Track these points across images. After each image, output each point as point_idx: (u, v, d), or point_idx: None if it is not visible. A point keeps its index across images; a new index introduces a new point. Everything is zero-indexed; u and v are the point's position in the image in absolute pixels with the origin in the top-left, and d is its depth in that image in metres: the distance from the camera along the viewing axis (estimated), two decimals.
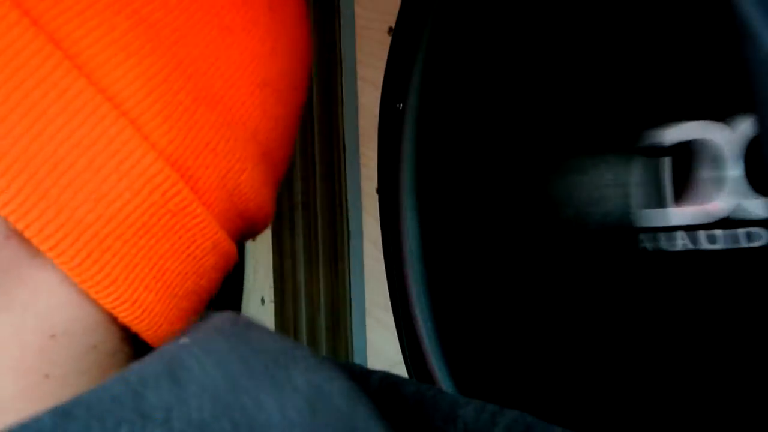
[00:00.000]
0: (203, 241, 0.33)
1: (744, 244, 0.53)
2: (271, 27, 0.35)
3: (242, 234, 0.37)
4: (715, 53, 0.53)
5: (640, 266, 0.60)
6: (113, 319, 0.32)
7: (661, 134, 0.57)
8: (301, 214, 0.96)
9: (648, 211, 0.59)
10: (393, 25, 0.73)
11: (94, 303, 0.31)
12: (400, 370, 0.73)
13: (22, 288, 0.30)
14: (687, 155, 0.55)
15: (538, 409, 0.61)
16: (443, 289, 0.68)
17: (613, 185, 0.61)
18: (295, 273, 0.97)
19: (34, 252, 0.29)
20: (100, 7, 0.29)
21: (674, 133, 0.56)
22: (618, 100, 0.60)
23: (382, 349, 0.85)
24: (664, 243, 0.57)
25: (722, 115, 0.54)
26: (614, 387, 0.61)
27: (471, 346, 0.67)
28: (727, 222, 0.54)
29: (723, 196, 0.53)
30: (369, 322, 0.89)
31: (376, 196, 0.75)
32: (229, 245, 0.35)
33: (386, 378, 0.38)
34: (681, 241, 0.56)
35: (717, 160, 0.54)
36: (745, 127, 0.52)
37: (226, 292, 1.10)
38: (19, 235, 0.29)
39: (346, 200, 0.90)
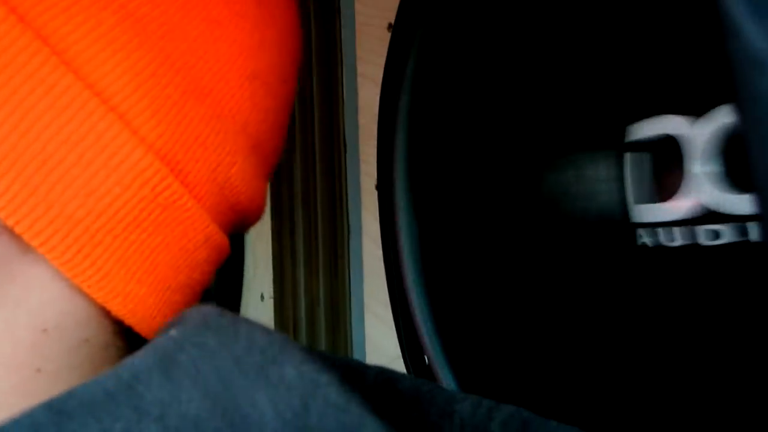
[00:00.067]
0: (195, 235, 0.33)
1: (725, 240, 0.53)
2: (260, 19, 0.35)
3: (234, 227, 0.37)
4: (701, 48, 0.53)
5: (636, 261, 0.60)
6: (105, 313, 0.32)
7: (653, 128, 0.57)
8: (301, 211, 0.96)
9: (643, 206, 0.59)
10: (393, 22, 0.73)
11: (86, 297, 0.31)
12: (399, 365, 0.73)
13: (14, 284, 0.30)
14: (671, 150, 0.55)
15: (538, 403, 0.61)
16: (441, 284, 0.68)
17: (605, 180, 0.61)
18: (295, 269, 0.97)
19: (25, 248, 0.30)
20: (86, 2, 0.29)
21: (662, 128, 0.56)
22: (609, 95, 0.60)
23: (381, 344, 0.86)
24: (660, 238, 0.57)
25: (701, 110, 0.54)
26: (614, 382, 0.61)
27: (470, 342, 0.67)
28: (707, 218, 0.54)
29: (705, 191, 0.53)
30: (368, 317, 0.89)
31: (376, 193, 0.75)
32: (221, 238, 0.35)
33: (382, 373, 0.38)
34: (674, 237, 0.56)
35: (696, 156, 0.54)
36: (723, 122, 0.52)
37: (226, 288, 1.11)
38: (10, 232, 0.29)
39: (347, 197, 0.90)
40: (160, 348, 0.29)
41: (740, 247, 0.51)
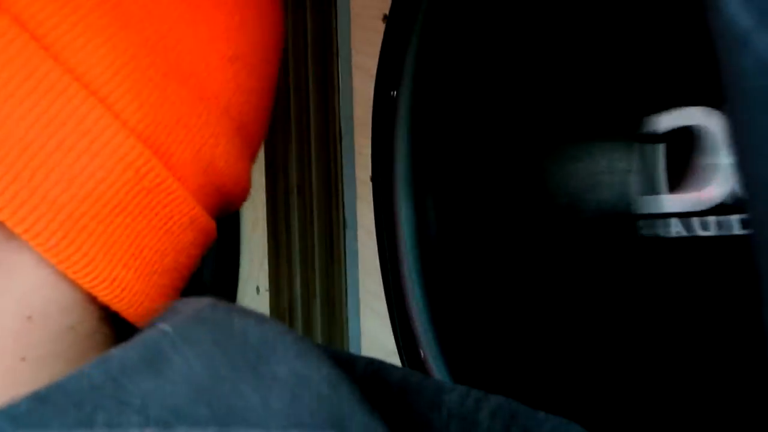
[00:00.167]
0: (180, 218, 0.33)
1: (737, 231, 0.53)
2: (240, 0, 0.35)
3: (220, 209, 0.37)
4: (708, 39, 0.53)
5: (636, 253, 0.59)
6: (91, 300, 0.31)
7: (655, 121, 0.57)
8: (296, 203, 0.96)
9: (643, 197, 0.59)
10: (387, 13, 0.72)
11: (72, 283, 0.31)
12: (395, 359, 0.73)
13: None
14: (681, 142, 0.55)
15: (533, 396, 0.61)
16: (437, 277, 0.67)
17: (607, 172, 0.60)
18: (291, 262, 0.97)
19: (9, 235, 0.29)
20: None
21: (668, 120, 0.56)
22: (612, 87, 0.60)
23: (377, 338, 0.85)
24: (658, 230, 0.57)
25: (717, 101, 0.54)
26: (613, 374, 0.60)
27: (465, 335, 0.66)
28: (720, 209, 0.53)
29: (716, 183, 0.53)
30: (364, 311, 0.88)
31: (371, 184, 0.75)
32: (207, 221, 0.35)
33: (371, 364, 0.38)
34: (675, 228, 0.56)
35: (711, 147, 0.54)
36: None
37: (222, 281, 1.10)
38: None
39: (342, 189, 0.90)
40: (150, 342, 0.29)
41: None
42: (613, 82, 0.60)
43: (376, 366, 0.38)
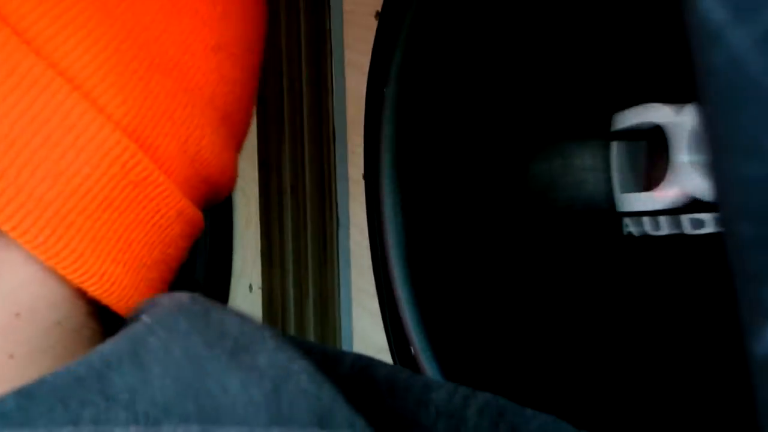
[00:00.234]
0: (167, 210, 0.33)
1: (710, 229, 0.53)
2: None
3: (207, 200, 0.37)
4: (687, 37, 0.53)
5: (621, 250, 0.59)
6: (79, 295, 0.32)
7: (641, 117, 0.57)
8: (289, 201, 0.95)
9: (629, 194, 0.59)
10: (380, 10, 0.72)
11: (59, 279, 0.31)
12: (387, 357, 0.73)
13: None
14: (662, 139, 0.55)
15: (523, 394, 0.61)
16: (427, 275, 0.67)
17: (592, 170, 0.60)
18: (283, 260, 0.97)
19: None
20: None
21: (648, 116, 0.56)
22: (595, 84, 0.60)
23: (368, 336, 0.85)
24: (642, 227, 0.57)
25: (686, 98, 0.54)
26: (600, 371, 0.61)
27: (455, 331, 0.66)
28: (693, 207, 0.54)
29: (692, 180, 0.53)
30: (356, 309, 0.88)
31: (363, 182, 0.75)
32: (194, 212, 0.35)
33: (359, 360, 0.38)
34: (660, 225, 0.56)
35: (682, 145, 0.54)
36: None
37: (214, 279, 1.10)
38: None
39: (335, 187, 0.90)
40: (132, 335, 0.29)
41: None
42: (595, 80, 0.60)
43: (363, 363, 0.38)
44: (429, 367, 0.66)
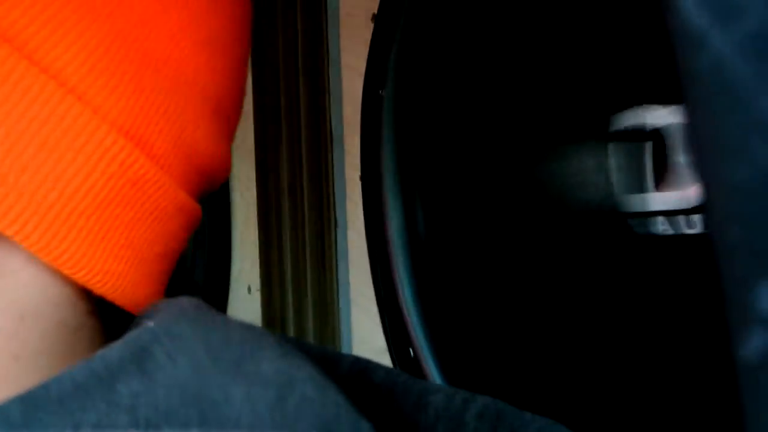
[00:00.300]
0: (166, 205, 0.33)
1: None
2: None
3: (203, 190, 0.37)
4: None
5: (625, 250, 0.59)
6: (80, 294, 0.32)
7: (640, 118, 0.57)
8: (287, 204, 0.95)
9: (630, 196, 0.59)
10: (376, 12, 0.72)
11: (61, 280, 0.31)
12: (386, 359, 0.73)
13: None
14: (666, 140, 0.55)
15: (525, 396, 0.61)
16: (427, 276, 0.67)
17: (595, 171, 0.60)
18: (282, 262, 0.97)
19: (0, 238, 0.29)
20: None
21: (652, 118, 0.56)
22: (599, 85, 0.60)
23: (367, 337, 0.85)
24: (647, 228, 0.57)
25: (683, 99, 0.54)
26: (604, 372, 0.60)
27: (455, 333, 0.66)
28: (694, 208, 0.54)
29: (691, 181, 0.53)
30: (355, 310, 0.88)
31: (359, 183, 0.75)
32: (191, 204, 0.35)
33: (357, 363, 0.38)
34: (661, 226, 0.56)
35: (680, 146, 0.54)
36: None
37: (213, 280, 1.10)
38: None
39: (333, 188, 0.90)
40: (135, 340, 0.29)
41: None
42: (598, 81, 0.60)
43: (362, 365, 0.38)
44: (428, 369, 0.66)
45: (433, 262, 0.67)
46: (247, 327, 0.31)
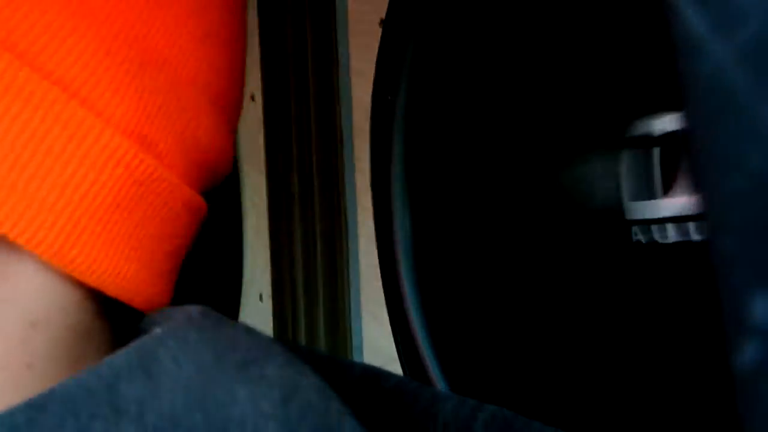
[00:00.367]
0: (174, 203, 0.33)
1: None
2: None
3: (207, 184, 0.38)
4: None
5: (633, 257, 0.59)
6: (88, 297, 0.32)
7: (649, 125, 0.56)
8: (298, 210, 0.96)
9: (638, 203, 0.58)
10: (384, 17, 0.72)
11: (70, 284, 0.31)
12: (397, 365, 0.72)
13: (2, 282, 0.30)
14: (675, 146, 0.55)
15: (532, 405, 0.61)
16: (436, 284, 0.67)
17: (602, 178, 0.60)
18: (293, 269, 0.97)
19: (9, 246, 0.30)
20: None
21: (662, 124, 0.56)
22: (606, 91, 0.60)
23: (378, 345, 0.85)
24: (654, 235, 0.57)
25: None
26: (611, 381, 0.60)
27: (465, 342, 0.66)
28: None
29: None
30: (366, 318, 0.88)
31: (369, 191, 0.75)
32: (197, 200, 0.35)
33: (367, 371, 0.38)
34: (671, 233, 0.55)
35: None
36: None
37: (225, 288, 1.10)
38: None
39: (344, 195, 0.90)
40: (141, 345, 0.29)
41: None
42: (607, 86, 0.60)
43: (371, 373, 0.38)
44: (437, 376, 0.66)
45: (440, 269, 0.67)
46: (254, 333, 0.31)
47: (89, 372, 0.28)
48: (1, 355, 0.31)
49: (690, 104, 0.13)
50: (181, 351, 0.29)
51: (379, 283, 0.74)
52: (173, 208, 0.33)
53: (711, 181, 0.12)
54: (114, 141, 0.30)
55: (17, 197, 0.29)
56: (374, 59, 0.73)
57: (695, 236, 0.54)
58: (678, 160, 0.55)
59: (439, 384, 0.64)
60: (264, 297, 1.03)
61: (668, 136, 0.55)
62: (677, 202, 0.54)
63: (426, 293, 0.66)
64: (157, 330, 0.30)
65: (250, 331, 0.32)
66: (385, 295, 0.72)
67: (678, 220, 0.55)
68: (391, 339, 0.73)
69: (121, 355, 0.29)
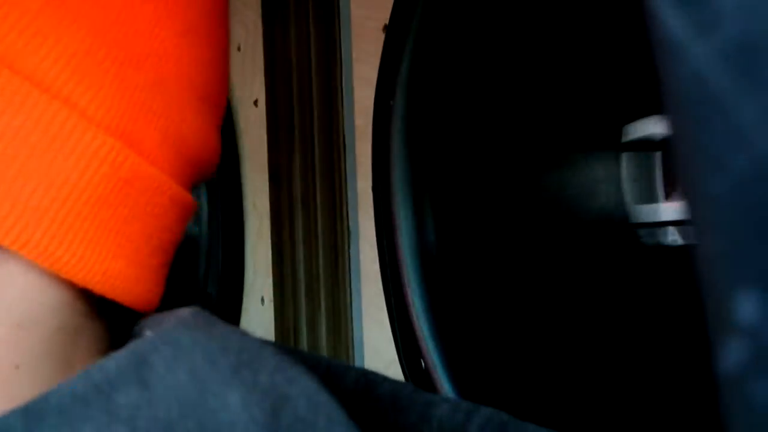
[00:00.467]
0: (160, 200, 0.33)
1: None
2: None
3: (195, 179, 0.37)
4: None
5: (635, 260, 0.59)
6: (77, 297, 0.32)
7: (651, 128, 0.56)
8: (300, 215, 0.96)
9: (640, 206, 0.58)
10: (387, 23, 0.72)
11: (58, 284, 0.31)
12: (397, 368, 0.72)
13: None
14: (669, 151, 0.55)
15: (536, 407, 0.60)
16: (438, 286, 0.67)
17: (604, 181, 0.60)
18: (295, 272, 0.97)
19: None
20: None
21: (658, 128, 0.56)
22: (608, 95, 0.60)
23: (379, 348, 0.85)
24: (657, 238, 0.57)
25: None
26: (614, 383, 0.60)
27: (466, 343, 0.66)
28: None
29: None
30: (367, 321, 0.88)
31: (371, 193, 0.75)
32: (184, 196, 0.35)
33: (362, 376, 0.38)
34: (671, 236, 0.55)
35: None
36: None
37: (227, 292, 1.10)
38: None
39: (347, 200, 0.90)
40: (133, 350, 0.29)
41: None
42: (607, 91, 0.60)
43: (367, 378, 0.38)
44: (439, 379, 0.66)
45: (443, 271, 0.67)
46: (246, 335, 0.31)
47: (82, 376, 0.28)
48: None
49: (672, 107, 0.13)
50: (174, 356, 0.29)
51: (381, 287, 0.74)
52: (159, 204, 0.33)
53: (693, 182, 0.12)
54: (97, 139, 0.30)
55: (1, 198, 0.29)
56: (377, 64, 0.73)
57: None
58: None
59: (443, 386, 0.64)
60: (266, 300, 1.03)
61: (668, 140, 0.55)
62: (680, 206, 0.54)
63: (429, 296, 0.66)
64: (149, 334, 0.30)
65: (241, 333, 0.31)
66: (386, 297, 0.72)
67: (680, 223, 0.55)
68: (392, 342, 0.73)
69: (113, 359, 0.29)
